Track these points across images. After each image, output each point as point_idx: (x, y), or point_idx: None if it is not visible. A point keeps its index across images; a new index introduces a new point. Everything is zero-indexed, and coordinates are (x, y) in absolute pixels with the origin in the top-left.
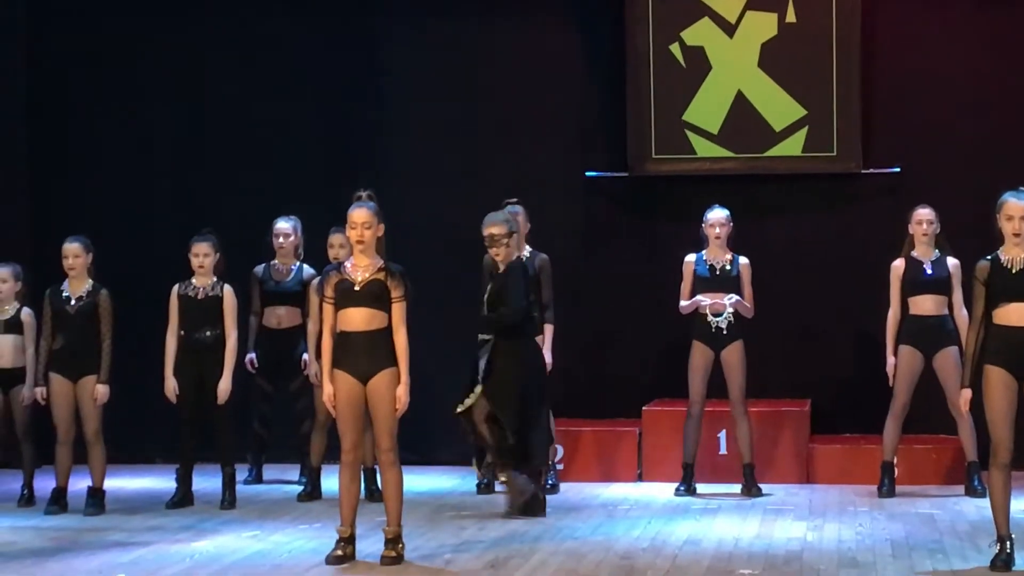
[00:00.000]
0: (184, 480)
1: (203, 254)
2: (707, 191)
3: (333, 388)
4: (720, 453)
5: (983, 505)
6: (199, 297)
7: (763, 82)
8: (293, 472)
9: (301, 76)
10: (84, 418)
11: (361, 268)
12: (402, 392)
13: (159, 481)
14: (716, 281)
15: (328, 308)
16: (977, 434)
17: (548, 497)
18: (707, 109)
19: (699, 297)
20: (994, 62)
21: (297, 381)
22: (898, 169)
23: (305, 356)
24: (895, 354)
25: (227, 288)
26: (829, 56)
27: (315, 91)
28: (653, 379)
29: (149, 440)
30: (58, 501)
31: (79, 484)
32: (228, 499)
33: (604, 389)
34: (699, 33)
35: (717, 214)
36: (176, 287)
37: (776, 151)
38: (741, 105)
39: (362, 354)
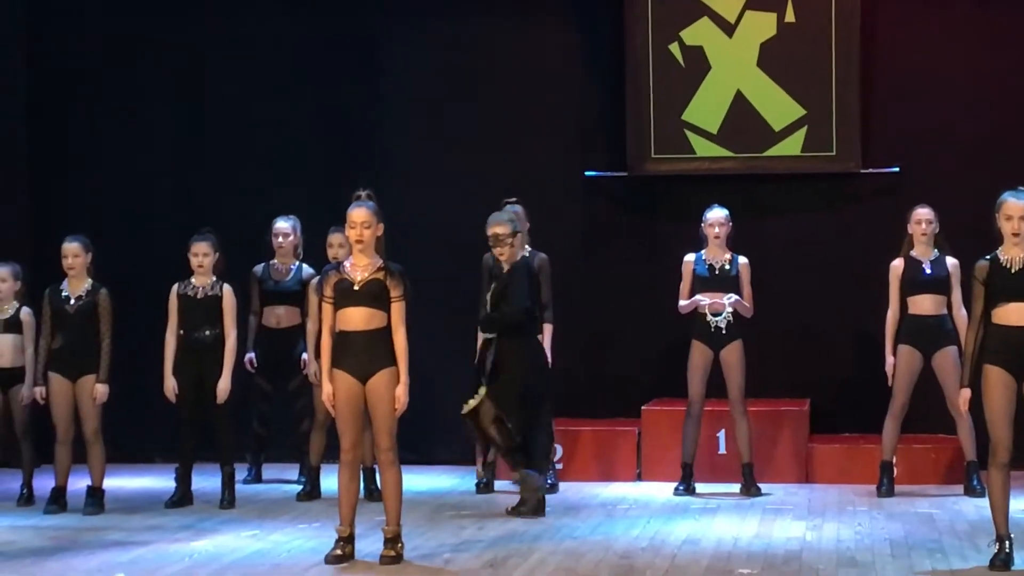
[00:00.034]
0: (183, 479)
1: (202, 253)
2: (706, 191)
3: (332, 387)
4: (719, 453)
5: (982, 505)
6: (198, 296)
7: (762, 82)
8: (292, 471)
9: (301, 76)
10: (83, 417)
11: (360, 268)
12: (401, 392)
13: (158, 480)
14: (715, 281)
15: (327, 307)
16: (976, 434)
17: (547, 496)
18: (706, 109)
19: (698, 297)
20: (993, 62)
21: (296, 380)
22: (897, 169)
23: (304, 355)
24: (894, 354)
25: (226, 287)
26: (828, 56)
27: (315, 91)
28: (652, 379)
29: (148, 439)
30: (57, 500)
31: (78, 483)
32: (227, 498)
33: (603, 388)
34: (698, 33)
35: (716, 214)
36: (175, 286)
37: (775, 151)
38: (740, 105)
39: (361, 353)
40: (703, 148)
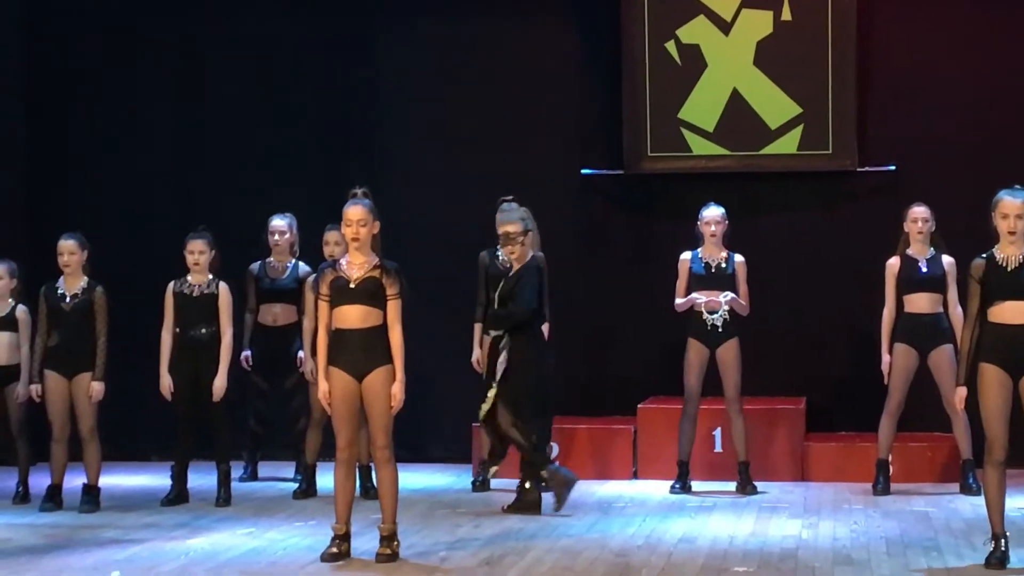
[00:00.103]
0: (179, 477)
1: (198, 251)
2: (703, 189)
3: (328, 385)
4: (715, 451)
5: (978, 503)
6: (194, 294)
7: (759, 80)
8: (288, 469)
9: (300, 76)
10: (79, 415)
11: (356, 266)
12: (397, 390)
13: (154, 478)
14: (712, 279)
15: (323, 305)
16: (972, 432)
17: (543, 495)
18: (703, 107)
19: (695, 295)
20: (990, 61)
21: (293, 378)
22: (893, 167)
23: (301, 353)
24: (890, 352)
25: (222, 285)
26: (825, 54)
27: (314, 91)
28: (648, 377)
29: (144, 437)
30: (53, 498)
31: (74, 481)
32: (223, 496)
33: (599, 386)
34: (695, 31)
35: (713, 212)
36: (171, 284)
37: (772, 149)
38: (737, 103)
39: (357, 351)
40: (699, 146)
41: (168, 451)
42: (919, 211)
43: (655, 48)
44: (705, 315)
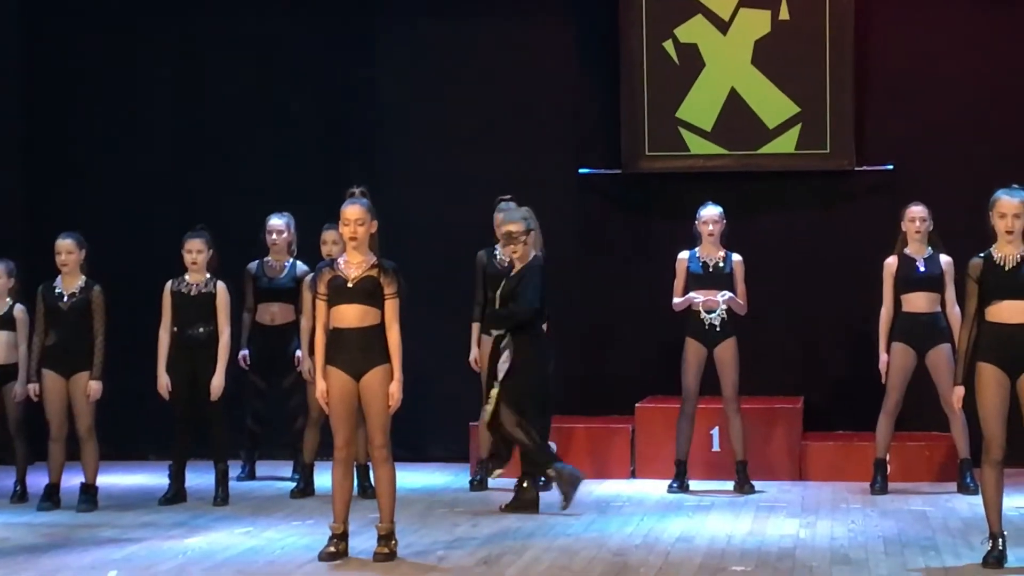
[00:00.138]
0: (177, 476)
1: (196, 250)
2: (700, 188)
3: (326, 385)
4: (713, 450)
5: (975, 502)
6: (192, 293)
7: (756, 79)
8: (286, 468)
9: (299, 75)
10: (77, 414)
11: (354, 265)
12: (395, 389)
13: (152, 477)
14: (709, 278)
15: (321, 305)
16: (969, 431)
17: (541, 494)
18: (700, 106)
19: (692, 294)
20: (988, 60)
21: (290, 377)
22: (891, 166)
23: (298, 352)
24: (888, 351)
25: (220, 284)
26: (822, 53)
27: (312, 90)
28: (646, 376)
29: (142, 436)
30: (51, 497)
31: (72, 480)
32: (221, 495)
33: (597, 386)
34: (692, 30)
35: (710, 211)
36: (169, 283)
37: (769, 148)
38: (734, 102)
39: (355, 351)
40: (697, 146)
41: (166, 450)
42: (917, 210)
43: (653, 47)
44: (703, 314)
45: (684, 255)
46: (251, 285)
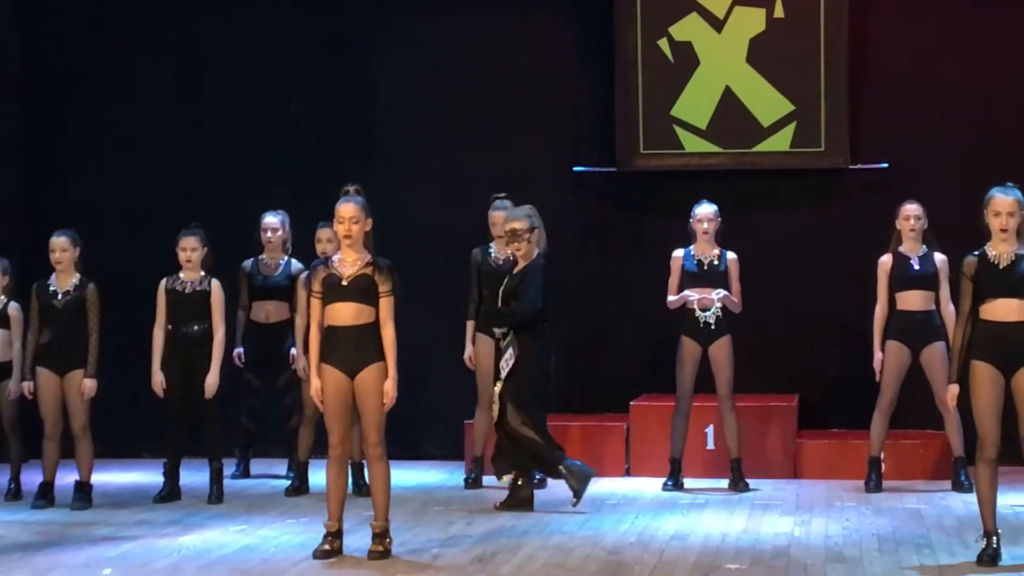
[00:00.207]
0: (171, 474)
1: (191, 248)
2: (695, 186)
3: (321, 383)
4: (708, 448)
5: (970, 500)
6: (187, 291)
7: (751, 77)
8: (281, 466)
9: (296, 74)
10: (71, 412)
11: (349, 263)
12: (390, 387)
13: (146, 475)
14: (704, 276)
15: (316, 303)
16: (964, 429)
17: (536, 492)
18: (695, 104)
19: (687, 292)
20: (983, 58)
21: (285, 376)
22: (886, 165)
23: (293, 351)
24: (882, 349)
25: (215, 282)
26: (817, 51)
27: (312, 89)
28: (641, 374)
29: (136, 434)
30: (45, 495)
31: (66, 478)
32: (215, 493)
33: (592, 384)
34: (687, 28)
35: (705, 209)
36: (163, 281)
37: (764, 146)
38: (729, 100)
39: (350, 349)
40: (692, 144)
41: (160, 448)
42: (911, 208)
43: (648, 45)
44: (698, 312)
45: (679, 253)
46: (246, 283)
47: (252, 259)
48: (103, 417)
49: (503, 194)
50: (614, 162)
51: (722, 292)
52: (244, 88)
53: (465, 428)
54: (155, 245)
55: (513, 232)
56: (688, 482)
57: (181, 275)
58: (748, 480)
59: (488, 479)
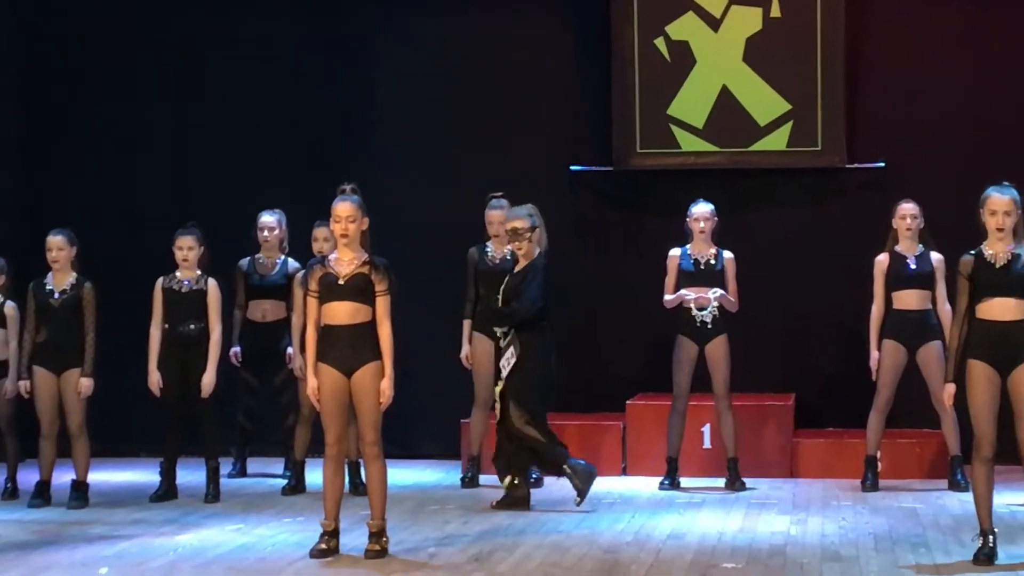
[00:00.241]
0: (168, 473)
1: (187, 247)
2: (692, 185)
3: (317, 381)
4: (704, 447)
5: (966, 499)
6: (183, 290)
7: (748, 76)
8: (277, 465)
9: (293, 73)
10: (68, 411)
11: (345, 262)
12: (386, 385)
13: (143, 474)
14: (701, 275)
15: (312, 302)
16: (960, 428)
17: (532, 491)
18: (692, 103)
19: (683, 291)
20: (979, 57)
21: (282, 374)
22: (882, 164)
23: (290, 350)
24: (879, 348)
25: (211, 281)
26: (814, 51)
27: (306, 87)
28: (637, 373)
29: (133, 433)
30: (42, 494)
31: (63, 477)
32: (212, 492)
33: (588, 383)
34: (684, 27)
35: (701, 208)
36: (160, 280)
37: (761, 145)
38: (726, 99)
39: (346, 348)
40: (688, 143)
41: (157, 447)
42: (908, 208)
43: (644, 44)
44: (694, 311)
45: (675, 252)
46: (242, 282)
47: (249, 258)
48: (99, 416)
49: (500, 193)
50: (611, 161)
51: (719, 291)
52: (244, 88)
53: (461, 427)
54: (152, 244)
55: (514, 231)
56: (684, 481)
57: (177, 274)
58: (744, 479)
59: (484, 478)
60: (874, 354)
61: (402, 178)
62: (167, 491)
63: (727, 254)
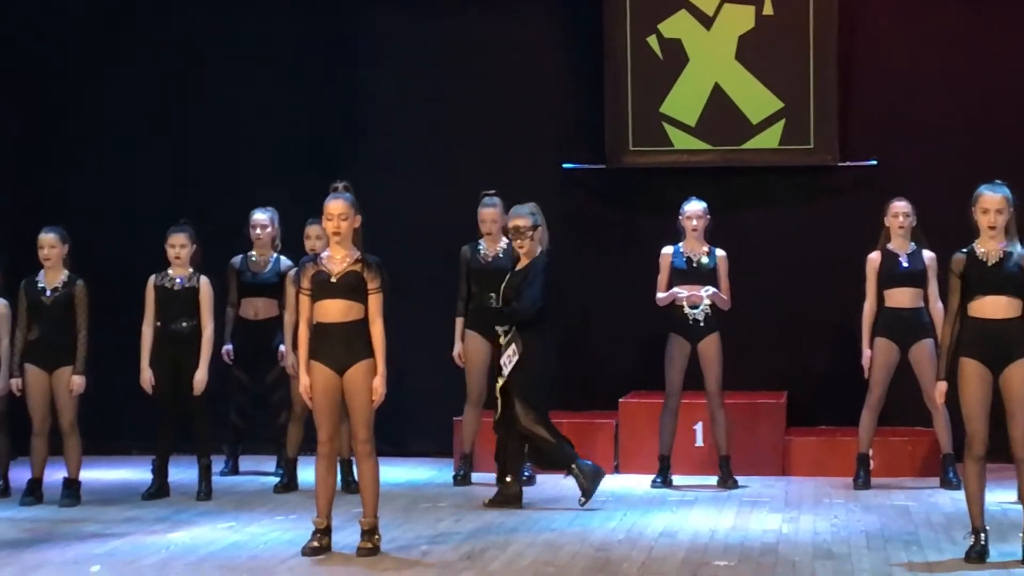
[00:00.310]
0: (160, 471)
1: (179, 245)
2: (684, 183)
3: (310, 379)
4: (696, 445)
5: (958, 497)
6: (176, 288)
7: (740, 75)
8: (269, 463)
9: (293, 73)
10: (60, 409)
11: (338, 260)
12: (378, 383)
13: (135, 472)
14: (693, 273)
15: (304, 299)
16: (952, 426)
17: (524, 489)
18: (684, 101)
19: (676, 289)
20: (972, 56)
21: (274, 372)
22: (875, 162)
23: (282, 347)
24: (871, 346)
25: (203, 279)
26: (806, 49)
27: (306, 87)
28: (630, 371)
29: (125, 431)
30: (33, 492)
31: (55, 475)
32: (204, 490)
33: (581, 381)
34: (676, 25)
35: (694, 206)
36: (152, 278)
37: (753, 143)
38: (718, 97)
39: (339, 345)
40: (681, 141)
41: (149, 445)
42: (900, 206)
43: (637, 42)
44: (686, 309)
45: (668, 250)
46: (235, 280)
47: (241, 256)
48: (91, 414)
49: (492, 191)
50: (603, 159)
51: (711, 289)
52: (244, 88)
53: (454, 425)
54: (151, 244)
55: (516, 229)
56: (677, 479)
57: (170, 272)
58: (737, 477)
59: (477, 476)
60: (866, 352)
61: (394, 176)
62: (159, 489)
63: (719, 252)
